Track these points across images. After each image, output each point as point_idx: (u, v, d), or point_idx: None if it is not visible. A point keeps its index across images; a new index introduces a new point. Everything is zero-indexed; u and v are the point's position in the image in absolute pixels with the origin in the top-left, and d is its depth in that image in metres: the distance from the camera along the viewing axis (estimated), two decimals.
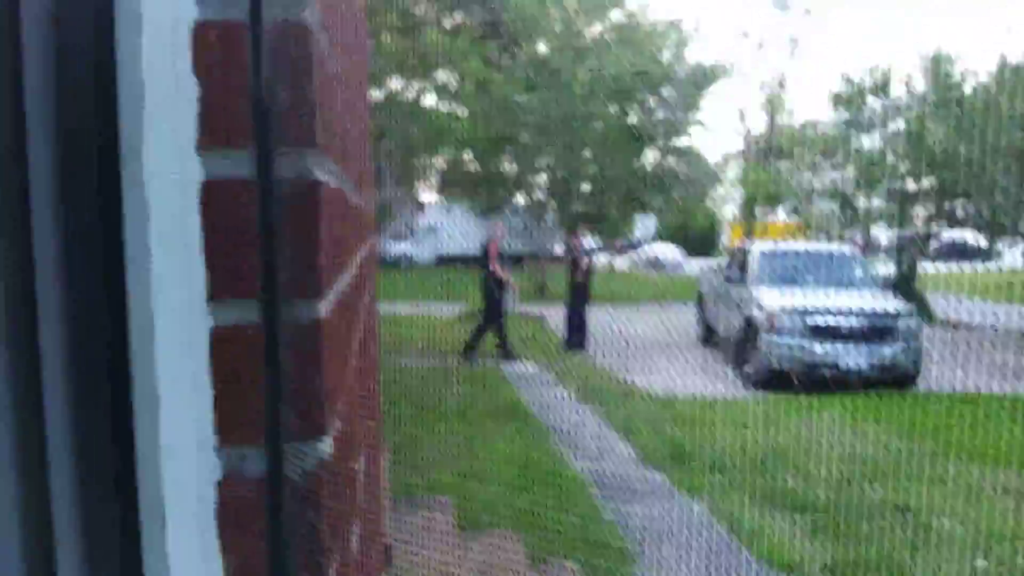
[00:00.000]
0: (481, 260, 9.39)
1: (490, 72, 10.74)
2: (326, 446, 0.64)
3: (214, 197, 0.59)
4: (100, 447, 0.57)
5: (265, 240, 0.60)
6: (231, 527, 0.60)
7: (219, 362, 0.59)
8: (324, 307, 0.64)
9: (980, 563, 3.67)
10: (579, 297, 10.14)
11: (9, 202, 0.53)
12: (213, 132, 0.59)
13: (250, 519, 0.60)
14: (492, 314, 9.00)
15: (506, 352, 8.77)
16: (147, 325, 0.57)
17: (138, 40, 0.56)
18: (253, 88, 0.58)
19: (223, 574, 0.60)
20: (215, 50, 0.58)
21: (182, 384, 0.58)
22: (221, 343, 0.59)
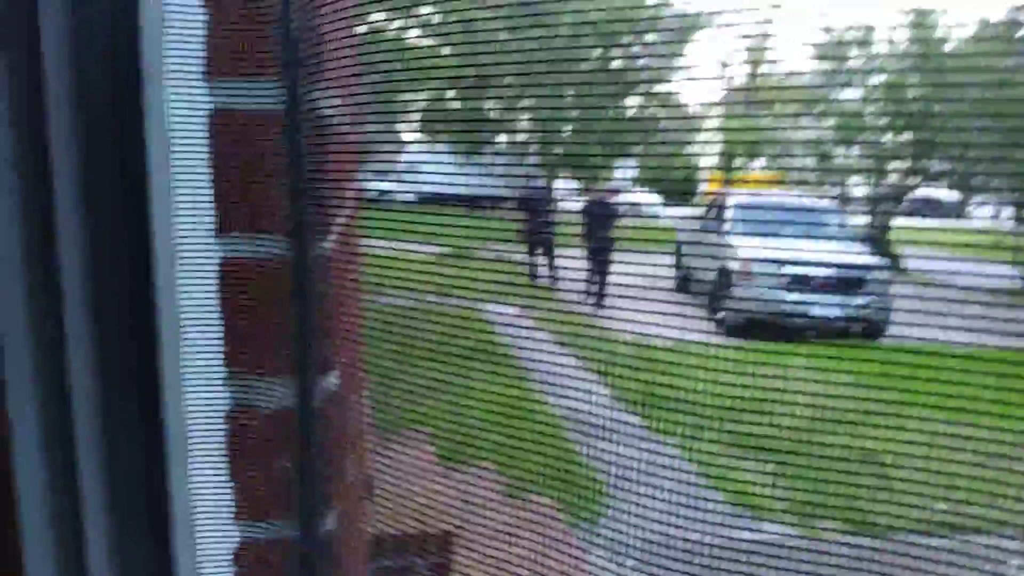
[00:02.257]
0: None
1: (475, 9, 10.59)
2: (334, 380, 0.67)
3: (227, 128, 0.60)
4: (124, 378, 0.58)
5: (282, 175, 0.61)
6: (240, 456, 0.63)
7: (228, 295, 0.61)
8: (330, 244, 0.66)
9: (938, 507, 3.83)
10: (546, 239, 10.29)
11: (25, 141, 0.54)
12: (224, 60, 0.60)
13: (258, 449, 0.63)
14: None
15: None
16: (168, 256, 0.59)
17: None
18: (273, 15, 0.58)
19: (232, 499, 0.63)
20: None
21: (196, 315, 0.60)
22: (230, 276, 0.61)
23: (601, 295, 10.44)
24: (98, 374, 0.54)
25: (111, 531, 0.55)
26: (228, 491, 0.57)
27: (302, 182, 0.57)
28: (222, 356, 0.57)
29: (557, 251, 10.05)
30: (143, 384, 0.55)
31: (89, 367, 0.54)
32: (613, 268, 10.92)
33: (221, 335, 0.58)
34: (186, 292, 0.55)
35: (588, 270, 10.17)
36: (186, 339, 0.56)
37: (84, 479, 0.54)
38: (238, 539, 0.58)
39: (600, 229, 10.26)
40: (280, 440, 0.59)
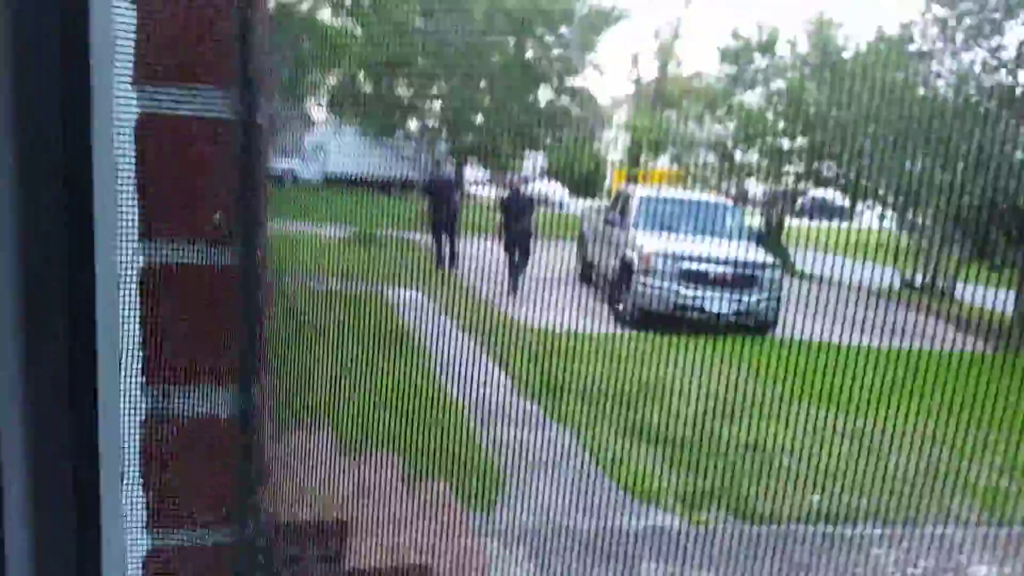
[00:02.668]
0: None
1: None
2: (251, 388, 0.66)
3: (149, 133, 0.59)
4: (53, 375, 0.57)
5: (192, 178, 0.60)
6: (154, 464, 0.62)
7: (150, 302, 0.60)
8: (252, 250, 0.65)
9: (814, 498, 4.04)
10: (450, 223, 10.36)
11: None
12: (148, 66, 0.59)
13: (174, 457, 0.62)
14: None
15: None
16: (106, 259, 0.57)
17: None
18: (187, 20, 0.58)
19: (144, 507, 0.62)
20: None
21: (116, 320, 0.59)
22: (150, 282, 0.60)
23: (517, 281, 10.55)
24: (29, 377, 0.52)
25: (34, 536, 0.53)
26: (140, 497, 0.56)
27: (237, 187, 0.57)
28: (141, 364, 0.56)
29: (462, 237, 10.07)
30: (75, 386, 0.53)
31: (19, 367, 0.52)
32: (529, 256, 11.00)
33: (141, 340, 0.57)
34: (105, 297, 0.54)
35: (508, 257, 10.30)
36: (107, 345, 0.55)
37: (7, 479, 0.53)
38: (149, 547, 0.57)
39: (518, 219, 10.40)
40: (183, 448, 0.59)
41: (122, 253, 0.57)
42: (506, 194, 12.85)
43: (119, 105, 0.56)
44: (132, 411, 0.58)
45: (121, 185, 0.56)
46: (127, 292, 0.58)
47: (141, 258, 0.58)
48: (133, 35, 0.56)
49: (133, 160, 0.57)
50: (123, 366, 0.58)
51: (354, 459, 3.53)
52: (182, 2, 0.57)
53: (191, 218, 0.58)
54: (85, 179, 0.54)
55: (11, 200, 0.52)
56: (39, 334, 0.56)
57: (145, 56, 0.56)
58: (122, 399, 0.58)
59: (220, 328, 0.62)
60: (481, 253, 11.12)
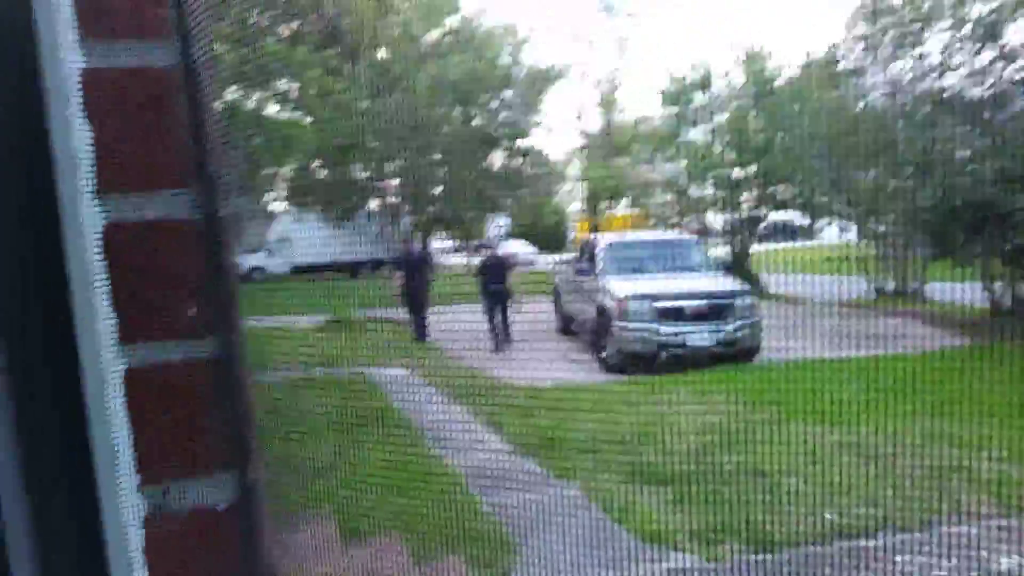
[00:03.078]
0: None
1: (332, 80, 10.62)
2: (247, 474, 0.66)
3: (116, 239, 0.60)
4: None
5: (166, 280, 0.61)
6: (159, 563, 0.61)
7: (133, 402, 0.60)
8: (234, 339, 0.66)
9: (828, 515, 4.01)
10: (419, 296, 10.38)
11: None
12: (109, 176, 0.60)
13: (177, 551, 0.61)
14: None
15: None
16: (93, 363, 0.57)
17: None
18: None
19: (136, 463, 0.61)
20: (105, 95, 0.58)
21: (107, 425, 0.59)
22: (135, 384, 0.60)
23: (506, 341, 10.50)
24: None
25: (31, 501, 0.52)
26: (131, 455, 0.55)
27: (209, 281, 0.58)
28: (135, 462, 0.56)
29: (435, 308, 10.07)
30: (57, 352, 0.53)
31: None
32: (513, 315, 10.96)
33: (133, 439, 0.56)
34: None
35: (489, 320, 10.26)
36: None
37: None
38: (146, 507, 0.56)
39: (496, 281, 10.46)
40: (184, 541, 0.58)
41: (103, 359, 0.57)
42: (482, 258, 12.93)
43: (85, 216, 0.57)
44: (131, 510, 0.58)
45: (95, 293, 0.57)
46: (113, 395, 0.58)
47: (123, 362, 0.58)
48: (91, 147, 0.57)
49: (104, 268, 0.58)
50: (118, 465, 0.57)
51: (360, 546, 3.46)
52: (133, 112, 0.58)
53: (167, 318, 0.59)
54: (62, 289, 0.55)
55: None
56: (35, 455, 0.56)
57: (105, 167, 0.58)
58: (120, 499, 0.57)
59: (210, 418, 0.62)
60: (458, 321, 11.12)
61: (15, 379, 0.54)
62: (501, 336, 10.83)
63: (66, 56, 0.56)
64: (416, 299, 10.30)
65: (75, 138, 0.55)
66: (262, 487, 0.64)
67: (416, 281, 10.21)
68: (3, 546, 0.53)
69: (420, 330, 10.15)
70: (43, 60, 0.55)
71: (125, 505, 0.57)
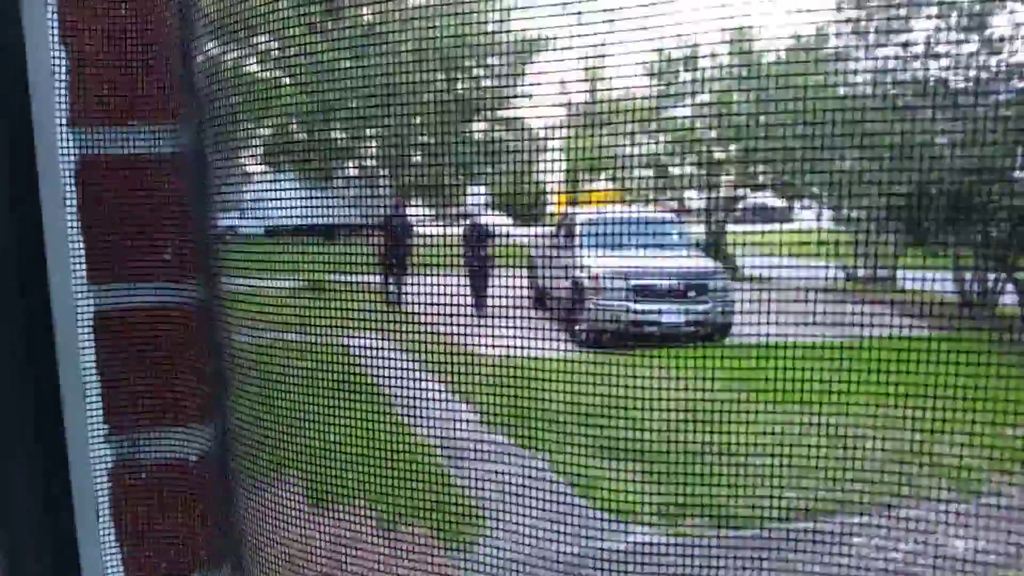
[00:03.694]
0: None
1: (314, 38, 10.42)
2: (217, 427, 0.63)
3: (89, 173, 0.56)
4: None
5: (167, 218, 0.58)
6: (124, 511, 0.58)
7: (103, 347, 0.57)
8: (209, 287, 0.63)
9: (789, 495, 4.08)
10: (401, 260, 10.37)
11: None
12: (89, 107, 0.56)
13: (143, 503, 0.59)
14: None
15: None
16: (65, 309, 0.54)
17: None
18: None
19: (120, 554, 0.59)
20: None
21: (76, 369, 0.56)
22: (104, 327, 0.57)
23: (484, 307, 10.60)
24: None
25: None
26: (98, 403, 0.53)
27: (187, 221, 0.54)
28: (103, 411, 0.52)
29: (411, 274, 10.08)
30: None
31: None
32: (492, 284, 11.15)
33: (100, 387, 0.53)
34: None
35: (471, 283, 10.33)
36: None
37: None
38: (114, 457, 0.54)
39: (478, 250, 10.52)
40: (149, 493, 0.56)
41: (73, 299, 0.55)
42: (466, 224, 12.87)
43: (58, 147, 0.54)
44: (97, 460, 0.56)
45: (67, 228, 0.54)
46: (80, 336, 0.55)
47: (92, 303, 0.56)
48: (65, 76, 0.54)
49: (74, 203, 0.55)
50: (87, 412, 0.55)
51: (326, 512, 3.46)
52: (112, 37, 0.55)
53: (141, 258, 0.56)
54: (35, 222, 0.52)
55: None
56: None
57: (80, 97, 0.54)
58: (87, 448, 0.55)
59: (184, 368, 0.60)
60: (433, 290, 11.09)
61: None
62: (481, 300, 10.94)
63: None
64: (397, 262, 10.28)
65: (50, 64, 0.51)
66: (233, 442, 0.63)
67: (398, 244, 10.17)
68: None
69: (396, 294, 10.12)
70: None
71: (92, 455, 0.55)
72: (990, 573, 3.60)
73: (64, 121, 0.50)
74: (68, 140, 0.50)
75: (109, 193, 0.53)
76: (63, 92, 0.50)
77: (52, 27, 0.47)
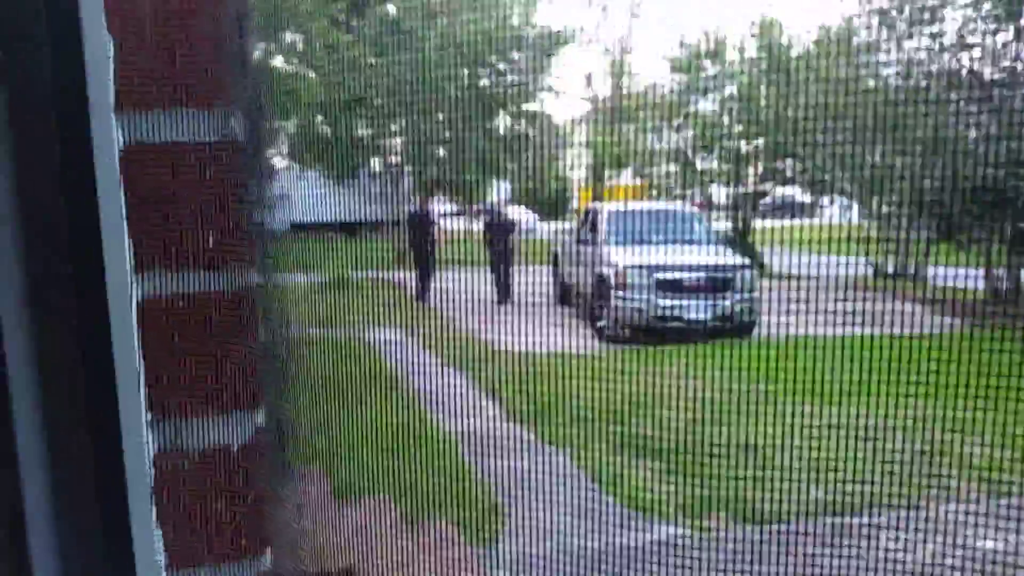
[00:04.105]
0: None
1: (339, 33, 10.42)
2: (260, 415, 0.64)
3: (136, 163, 0.57)
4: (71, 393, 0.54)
5: (214, 207, 0.59)
6: (169, 500, 0.59)
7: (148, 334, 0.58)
8: (253, 275, 0.64)
9: (814, 492, 4.05)
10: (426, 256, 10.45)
11: None
12: (135, 93, 0.57)
13: (187, 491, 0.60)
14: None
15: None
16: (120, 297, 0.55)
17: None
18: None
19: (160, 542, 0.60)
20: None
21: (127, 356, 0.57)
22: (148, 314, 0.58)
23: (506, 298, 10.84)
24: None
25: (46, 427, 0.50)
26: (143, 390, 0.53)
27: (228, 208, 0.55)
28: (147, 398, 0.54)
29: (436, 271, 10.12)
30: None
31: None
32: (512, 275, 11.23)
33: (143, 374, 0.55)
34: None
35: (494, 275, 10.64)
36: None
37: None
38: (157, 443, 0.54)
39: (503, 239, 10.77)
40: (194, 480, 0.57)
41: (122, 287, 0.55)
42: (489, 217, 13.02)
43: (106, 135, 0.54)
44: (145, 446, 0.57)
45: (112, 218, 0.54)
46: (129, 326, 0.56)
47: (138, 290, 0.57)
48: (112, 62, 0.55)
49: (121, 190, 0.55)
50: (136, 399, 0.56)
51: (352, 505, 3.49)
52: (159, 27, 0.55)
53: (185, 246, 0.57)
54: (91, 210, 0.53)
55: (14, 237, 0.50)
56: (56, 377, 0.53)
57: (127, 83, 0.55)
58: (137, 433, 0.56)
59: (226, 355, 0.61)
60: (457, 286, 11.13)
61: (39, 303, 0.53)
62: (503, 291, 11.17)
63: None
64: (422, 258, 10.34)
65: (105, 49, 0.52)
66: (275, 429, 0.64)
67: (424, 240, 10.22)
68: (18, 480, 0.52)
69: (422, 291, 10.18)
70: None
71: (140, 440, 0.56)
72: (1021, 571, 3.55)
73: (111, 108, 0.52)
74: (112, 128, 0.52)
75: (152, 181, 0.55)
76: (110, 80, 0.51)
77: (103, 18, 0.49)
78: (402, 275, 11.20)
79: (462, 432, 4.84)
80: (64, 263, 0.54)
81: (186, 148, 0.58)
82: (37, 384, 0.56)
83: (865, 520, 3.85)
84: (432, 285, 9.89)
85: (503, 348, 7.90)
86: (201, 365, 0.59)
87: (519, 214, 14.03)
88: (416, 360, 7.67)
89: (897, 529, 3.75)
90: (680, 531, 3.87)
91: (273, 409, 0.63)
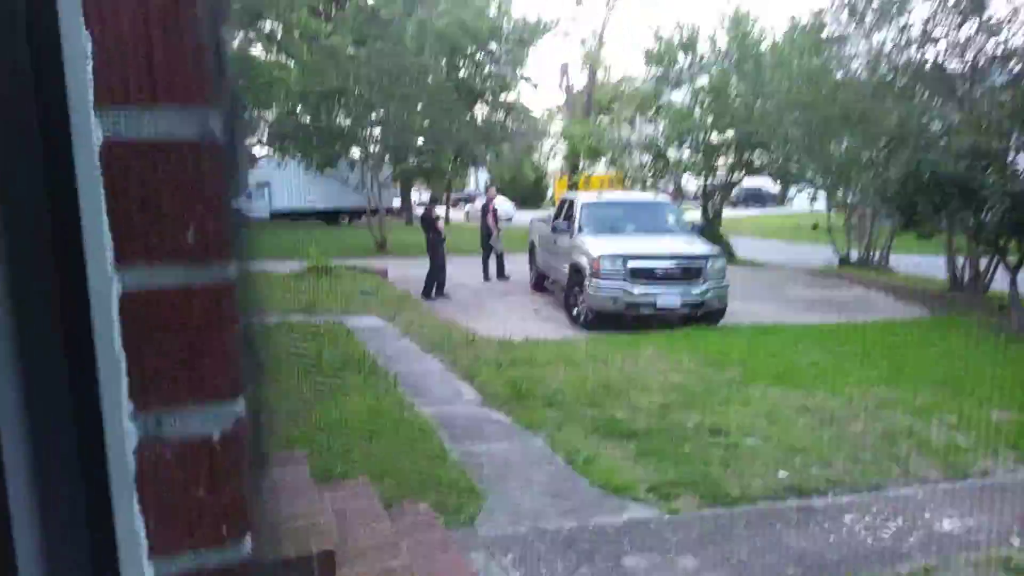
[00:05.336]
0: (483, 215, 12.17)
1: (319, 23, 10.34)
2: (240, 405, 0.69)
3: (115, 159, 0.62)
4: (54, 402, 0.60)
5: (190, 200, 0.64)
6: (150, 489, 0.65)
7: (129, 326, 0.63)
8: (233, 268, 0.68)
9: (781, 474, 4.18)
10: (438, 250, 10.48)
11: None
12: (109, 90, 0.62)
13: (169, 480, 0.66)
14: (486, 253, 11.98)
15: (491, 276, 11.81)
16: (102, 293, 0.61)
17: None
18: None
19: (143, 530, 0.65)
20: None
21: (108, 349, 0.62)
22: (130, 308, 0.63)
23: (502, 276, 11.05)
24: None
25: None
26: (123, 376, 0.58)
27: (209, 203, 0.61)
28: (128, 389, 0.59)
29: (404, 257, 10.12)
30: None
31: None
32: (503, 260, 11.43)
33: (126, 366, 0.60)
34: None
35: (483, 254, 10.92)
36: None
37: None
38: (138, 434, 0.59)
39: (496, 221, 11.05)
40: (175, 470, 0.62)
41: (102, 280, 0.60)
42: (484, 201, 13.06)
43: (85, 131, 0.59)
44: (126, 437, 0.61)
45: (102, 211, 0.59)
46: (110, 319, 0.60)
47: (118, 285, 0.61)
48: (90, 55, 0.58)
49: (101, 186, 0.60)
50: (117, 390, 0.61)
51: (330, 487, 3.56)
52: (137, 23, 0.59)
53: (165, 241, 0.61)
54: (71, 204, 0.58)
55: None
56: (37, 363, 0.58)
57: (104, 79, 0.59)
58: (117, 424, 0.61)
59: (207, 346, 0.65)
60: (425, 272, 11.21)
61: (17, 291, 0.57)
62: (493, 272, 11.36)
63: None
64: (437, 254, 10.31)
65: (84, 45, 0.56)
66: (257, 418, 0.69)
67: (436, 238, 10.19)
68: (2, 474, 0.57)
69: (428, 288, 10.15)
70: None
71: (121, 431, 0.60)
72: (980, 550, 3.71)
73: (89, 103, 0.55)
74: (93, 123, 0.56)
75: (131, 176, 0.58)
76: (89, 74, 0.55)
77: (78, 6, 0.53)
78: (382, 264, 11.18)
79: (440, 416, 4.92)
80: (46, 258, 0.59)
81: (165, 144, 0.63)
82: (19, 385, 0.61)
83: (828, 501, 4.00)
84: (436, 286, 9.89)
85: (481, 334, 7.98)
86: (182, 356, 0.64)
87: (498, 202, 14.15)
88: (395, 346, 7.73)
89: (860, 510, 3.89)
90: (651, 512, 3.98)
91: (252, 397, 0.69)
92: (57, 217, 0.57)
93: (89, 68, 0.59)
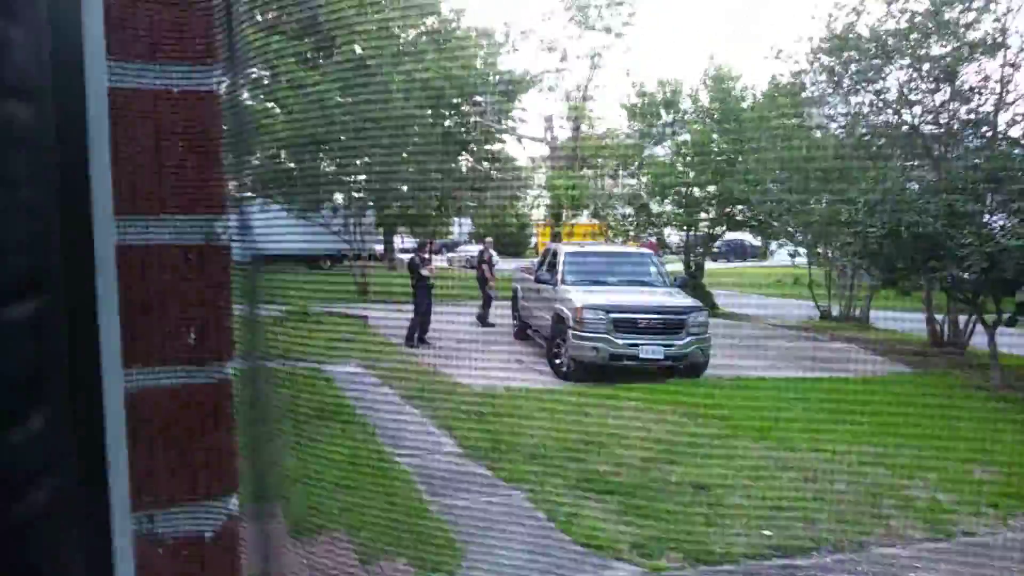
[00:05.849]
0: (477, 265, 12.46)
1: (306, 71, 10.47)
2: (234, 502, 0.67)
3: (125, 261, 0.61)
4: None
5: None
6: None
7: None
8: (230, 367, 0.67)
9: (766, 533, 4.13)
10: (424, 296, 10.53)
11: None
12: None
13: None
14: (485, 302, 12.20)
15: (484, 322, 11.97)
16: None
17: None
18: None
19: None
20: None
21: (115, 448, 0.60)
22: (134, 408, 0.61)
23: (486, 320, 11.08)
24: None
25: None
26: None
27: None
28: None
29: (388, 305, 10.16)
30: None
31: None
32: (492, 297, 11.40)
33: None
34: None
35: (483, 297, 10.97)
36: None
37: None
38: (135, 533, 0.56)
39: (490, 268, 11.11)
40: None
41: (112, 230, 0.59)
42: (481, 248, 13.31)
43: (104, 237, 0.58)
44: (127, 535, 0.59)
45: (98, 163, 0.58)
46: (117, 420, 0.59)
47: (124, 386, 0.59)
48: (112, 168, 0.59)
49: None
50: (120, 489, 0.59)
51: (304, 542, 3.46)
52: (149, 139, 0.60)
53: (167, 343, 0.61)
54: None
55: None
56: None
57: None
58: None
59: (201, 446, 0.64)
60: (410, 319, 11.19)
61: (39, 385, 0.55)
62: (484, 317, 11.45)
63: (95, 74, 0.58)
64: (422, 301, 10.38)
65: (104, 159, 0.56)
66: (248, 514, 0.66)
67: (422, 284, 10.25)
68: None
69: (411, 335, 10.18)
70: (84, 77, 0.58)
71: (123, 530, 0.58)
72: None
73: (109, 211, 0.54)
74: (111, 230, 0.55)
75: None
76: (110, 186, 0.54)
77: (106, 124, 0.52)
78: (362, 310, 11.15)
79: (418, 468, 4.84)
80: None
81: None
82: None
83: (813, 560, 3.94)
84: (418, 334, 9.87)
85: (462, 383, 7.92)
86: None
87: (478, 250, 14.30)
88: (374, 394, 7.64)
89: (844, 570, 3.84)
90: (633, 571, 3.90)
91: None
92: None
93: (111, 178, 0.58)
